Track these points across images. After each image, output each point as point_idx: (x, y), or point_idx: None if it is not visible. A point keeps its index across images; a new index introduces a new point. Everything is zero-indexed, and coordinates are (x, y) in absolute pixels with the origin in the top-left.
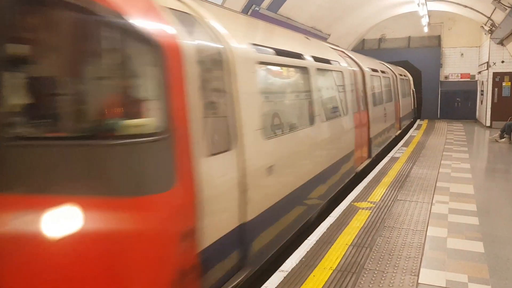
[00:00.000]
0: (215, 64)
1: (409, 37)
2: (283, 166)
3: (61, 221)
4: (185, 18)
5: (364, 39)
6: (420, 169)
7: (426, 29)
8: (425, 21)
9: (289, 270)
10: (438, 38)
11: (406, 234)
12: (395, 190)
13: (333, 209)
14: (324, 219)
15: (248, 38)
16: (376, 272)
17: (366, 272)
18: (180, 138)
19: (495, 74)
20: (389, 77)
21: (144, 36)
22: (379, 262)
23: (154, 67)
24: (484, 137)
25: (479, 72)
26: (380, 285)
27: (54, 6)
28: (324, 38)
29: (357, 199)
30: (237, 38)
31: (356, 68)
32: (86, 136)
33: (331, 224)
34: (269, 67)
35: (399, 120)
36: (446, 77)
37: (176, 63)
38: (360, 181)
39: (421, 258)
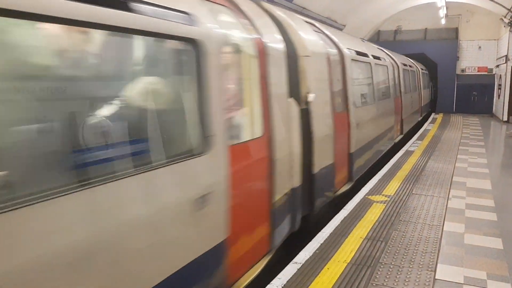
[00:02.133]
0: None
1: (426, 29)
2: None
3: None
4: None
5: (379, 31)
6: (436, 163)
7: (443, 21)
8: (442, 12)
9: (303, 262)
10: (456, 30)
11: (422, 228)
12: (410, 184)
13: (347, 202)
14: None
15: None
16: (391, 267)
17: (382, 266)
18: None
19: None
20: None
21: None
22: (395, 257)
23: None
24: (501, 132)
25: (497, 66)
26: (396, 280)
27: None
28: (339, 29)
29: (372, 192)
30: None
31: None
32: None
33: (345, 217)
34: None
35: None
36: (462, 71)
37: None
38: (374, 174)
39: (438, 254)
